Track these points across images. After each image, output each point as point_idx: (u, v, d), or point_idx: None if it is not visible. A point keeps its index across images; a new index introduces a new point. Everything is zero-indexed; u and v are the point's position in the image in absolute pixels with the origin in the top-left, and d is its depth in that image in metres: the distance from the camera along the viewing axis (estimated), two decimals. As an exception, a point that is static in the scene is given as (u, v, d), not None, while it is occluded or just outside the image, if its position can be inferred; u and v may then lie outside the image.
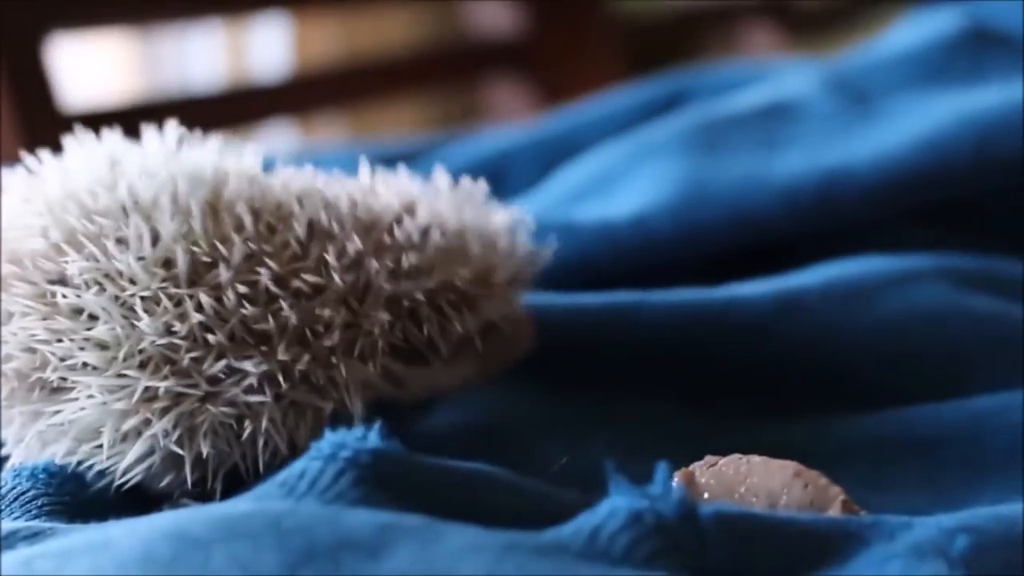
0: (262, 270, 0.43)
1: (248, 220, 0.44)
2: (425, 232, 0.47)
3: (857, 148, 0.64)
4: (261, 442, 0.44)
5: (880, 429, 0.51)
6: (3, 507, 0.42)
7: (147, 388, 0.42)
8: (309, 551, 0.32)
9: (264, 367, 0.43)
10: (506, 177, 0.80)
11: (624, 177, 0.67)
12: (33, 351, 0.43)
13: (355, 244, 0.45)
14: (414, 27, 1.79)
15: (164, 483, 0.44)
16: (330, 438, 0.38)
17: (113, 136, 0.49)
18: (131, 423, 0.42)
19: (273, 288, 0.43)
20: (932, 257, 0.59)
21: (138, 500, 0.44)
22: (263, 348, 0.43)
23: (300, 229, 0.45)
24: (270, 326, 0.43)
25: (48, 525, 0.39)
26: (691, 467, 0.43)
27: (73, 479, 0.43)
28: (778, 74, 0.82)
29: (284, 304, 0.43)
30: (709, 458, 0.43)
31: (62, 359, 0.42)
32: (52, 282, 0.43)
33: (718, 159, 0.65)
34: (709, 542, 0.35)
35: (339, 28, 1.72)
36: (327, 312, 0.44)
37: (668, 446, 0.49)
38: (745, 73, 0.84)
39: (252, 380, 0.43)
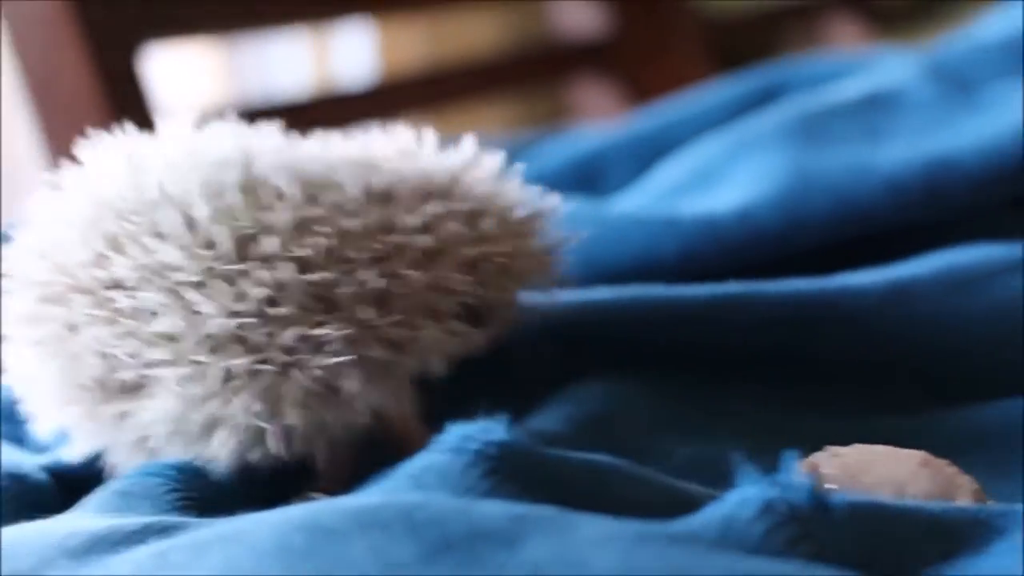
0: (319, 235, 0.43)
1: (287, 189, 0.44)
2: (486, 197, 0.48)
3: (961, 136, 0.63)
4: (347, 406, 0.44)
5: (1000, 418, 0.50)
6: (134, 503, 0.43)
7: (223, 370, 0.42)
8: (445, 541, 0.32)
9: (346, 331, 0.43)
10: (603, 175, 0.80)
11: (726, 171, 0.67)
12: (105, 356, 0.43)
13: (431, 207, 0.45)
14: (499, 30, 1.79)
15: (261, 459, 0.45)
16: (455, 431, 0.38)
17: (127, 134, 0.49)
18: (214, 407, 0.43)
19: (345, 252, 0.43)
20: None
21: (265, 495, 0.44)
22: (338, 313, 0.43)
23: (354, 192, 0.45)
24: (346, 290, 0.43)
25: (179, 519, 0.39)
26: (814, 457, 0.43)
27: (199, 474, 0.44)
28: (875, 64, 0.81)
29: (360, 267, 0.43)
30: (833, 448, 0.43)
31: (134, 358, 0.43)
32: (108, 287, 0.44)
33: (821, 150, 0.65)
34: (841, 531, 0.35)
35: (424, 32, 1.73)
36: (411, 273, 0.44)
37: (783, 437, 0.49)
38: (841, 64, 0.83)
39: (334, 346, 0.43)
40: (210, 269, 0.43)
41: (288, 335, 0.43)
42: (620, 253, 0.61)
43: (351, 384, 0.43)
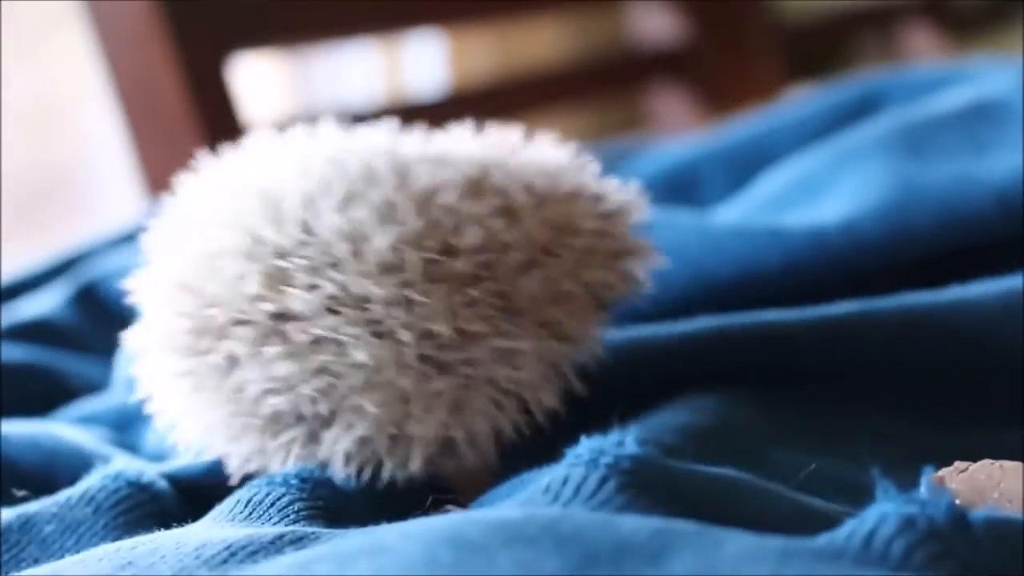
0: (501, 248, 0.44)
1: (466, 207, 0.44)
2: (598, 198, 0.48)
3: (1069, 147, 0.63)
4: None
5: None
6: (261, 512, 0.43)
7: (418, 393, 0.43)
8: (591, 555, 0.33)
9: (532, 341, 0.44)
10: (696, 185, 0.80)
11: (829, 183, 0.66)
12: (283, 391, 0.43)
13: (577, 211, 0.46)
14: (570, 39, 1.80)
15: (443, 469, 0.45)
16: (587, 444, 0.38)
17: (233, 163, 0.49)
18: (409, 426, 0.43)
19: (520, 258, 0.44)
20: None
21: (390, 505, 0.44)
22: (521, 319, 0.44)
23: (520, 198, 0.45)
24: (525, 298, 0.44)
25: (311, 529, 0.40)
26: (941, 472, 0.43)
27: (325, 484, 0.44)
28: (971, 74, 0.80)
29: (535, 269, 0.44)
30: (959, 464, 0.43)
31: (324, 392, 0.43)
32: (277, 318, 0.43)
33: (926, 161, 0.64)
34: (982, 548, 0.34)
35: (495, 43, 1.74)
36: (580, 272, 0.45)
37: (905, 452, 0.49)
38: (936, 75, 0.83)
39: (523, 356, 0.44)
40: (398, 295, 0.43)
41: (479, 350, 0.43)
42: (723, 264, 0.61)
43: (540, 393, 0.44)
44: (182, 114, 1.03)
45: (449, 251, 0.43)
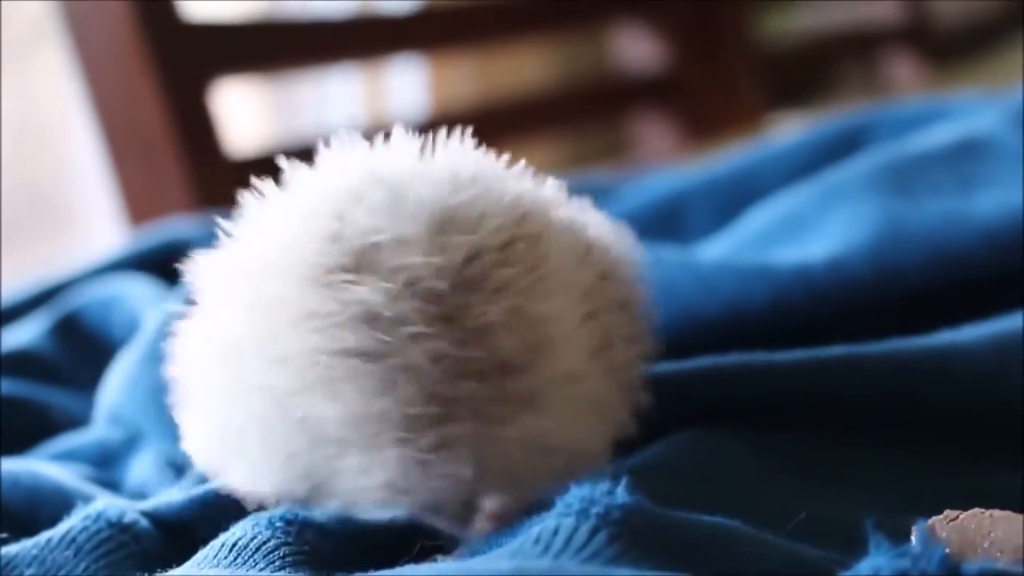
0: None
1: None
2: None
3: (1056, 185, 0.63)
4: None
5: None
6: (247, 557, 0.42)
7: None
8: (583, 610, 0.32)
9: None
10: (684, 219, 0.79)
11: (816, 219, 0.66)
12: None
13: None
14: (554, 65, 1.80)
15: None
16: (576, 493, 0.38)
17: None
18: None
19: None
20: None
21: (376, 550, 0.44)
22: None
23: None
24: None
25: (299, 577, 0.39)
26: (930, 521, 0.42)
27: (311, 527, 0.44)
28: (957, 110, 0.81)
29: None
30: (949, 512, 0.43)
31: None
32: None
33: (913, 199, 0.64)
34: (975, 602, 0.34)
35: (476, 68, 1.74)
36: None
37: (895, 496, 0.48)
38: (923, 110, 0.83)
39: None
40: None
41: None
42: (711, 301, 0.61)
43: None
44: (163, 140, 1.03)
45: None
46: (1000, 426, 0.52)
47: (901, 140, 0.72)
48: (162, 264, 0.80)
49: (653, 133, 1.56)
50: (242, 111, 1.58)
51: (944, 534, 0.42)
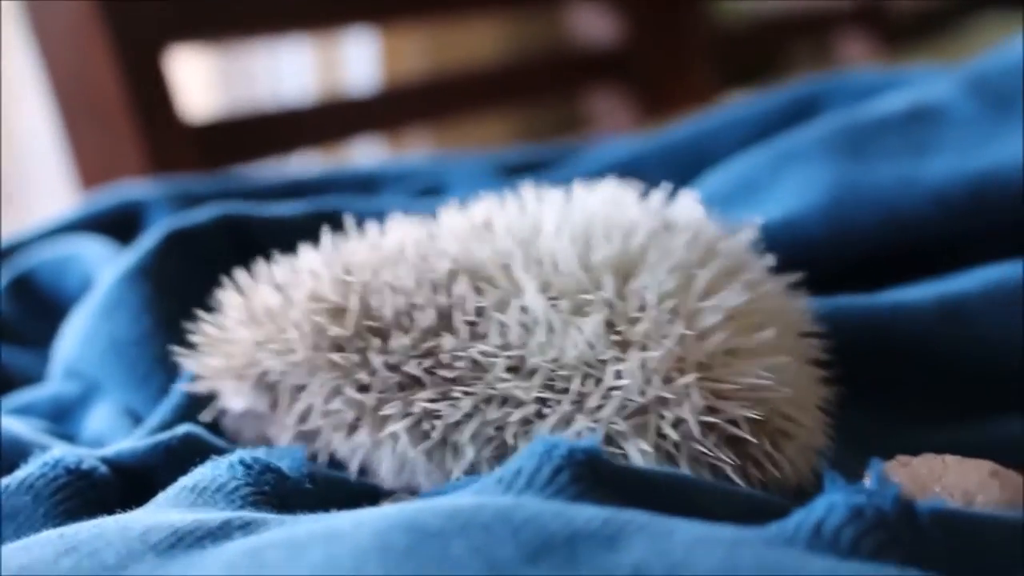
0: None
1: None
2: None
3: (1006, 150, 0.64)
4: None
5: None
6: (207, 498, 0.43)
7: None
8: (546, 542, 0.33)
9: None
10: (638, 182, 0.80)
11: (770, 183, 0.67)
12: None
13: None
14: (508, 38, 1.79)
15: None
16: (542, 439, 0.38)
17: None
18: None
19: None
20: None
21: (336, 493, 0.44)
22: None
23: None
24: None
25: (260, 515, 0.39)
26: (885, 465, 0.43)
27: (271, 470, 0.44)
28: (910, 79, 0.81)
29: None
30: (901, 457, 0.44)
31: None
32: None
33: (866, 163, 0.65)
34: (927, 537, 0.35)
35: (428, 41, 1.73)
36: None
37: (850, 446, 0.49)
38: (876, 79, 0.84)
39: None
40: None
41: None
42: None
43: None
44: (118, 107, 1.02)
45: None
46: (948, 381, 0.53)
47: (853, 107, 0.73)
48: (115, 226, 0.80)
49: (607, 109, 1.56)
50: (196, 79, 1.57)
51: (897, 479, 0.43)
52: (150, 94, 1.05)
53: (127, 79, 1.03)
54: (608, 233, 0.47)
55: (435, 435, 0.45)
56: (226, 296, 0.52)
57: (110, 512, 0.44)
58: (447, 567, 0.32)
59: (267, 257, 0.64)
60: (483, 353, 0.44)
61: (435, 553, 0.32)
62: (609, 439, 0.43)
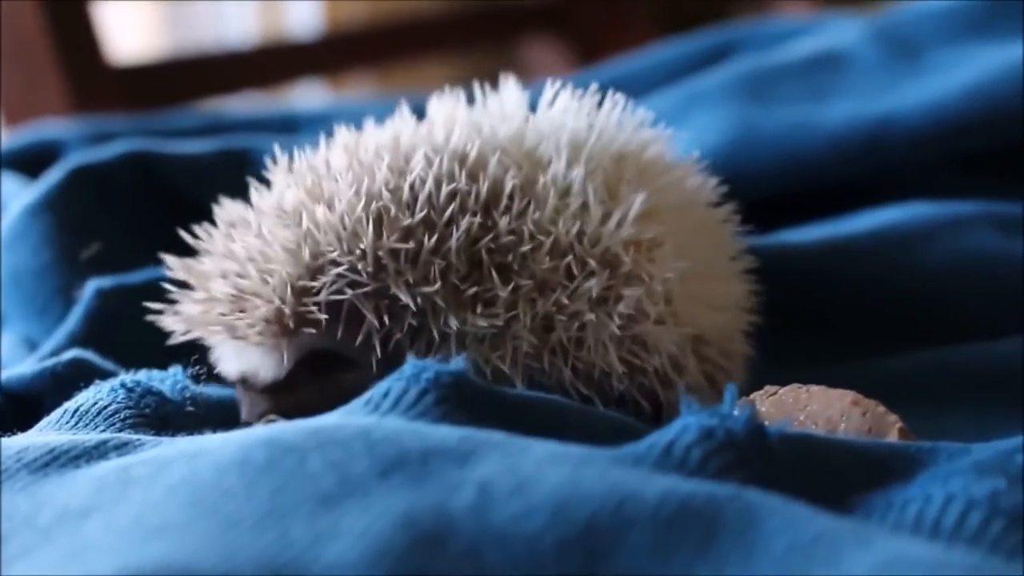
0: None
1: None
2: None
3: (906, 96, 0.65)
4: None
5: (932, 366, 0.52)
6: (88, 420, 0.43)
7: None
8: (399, 458, 0.34)
9: None
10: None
11: (675, 124, 0.68)
12: None
13: None
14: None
15: None
16: (412, 362, 0.39)
17: None
18: None
19: None
20: (981, 204, 0.60)
21: (216, 415, 0.45)
22: None
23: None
24: None
25: (136, 437, 0.40)
26: (751, 396, 0.45)
27: (152, 393, 0.45)
28: (822, 27, 0.83)
29: None
30: (769, 387, 0.45)
31: None
32: None
33: (767, 107, 0.66)
34: (776, 458, 0.36)
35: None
36: None
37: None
38: (789, 27, 0.85)
39: None
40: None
41: None
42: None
43: None
44: (40, 47, 1.02)
45: None
46: (828, 321, 0.55)
47: (765, 52, 0.74)
48: (32, 164, 0.80)
49: (543, 58, 1.57)
50: (136, 22, 1.56)
51: (763, 407, 0.44)
52: (74, 35, 1.05)
53: (50, 19, 1.02)
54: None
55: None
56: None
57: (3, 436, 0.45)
58: (302, 481, 0.33)
59: (175, 195, 0.65)
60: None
61: (292, 467, 0.33)
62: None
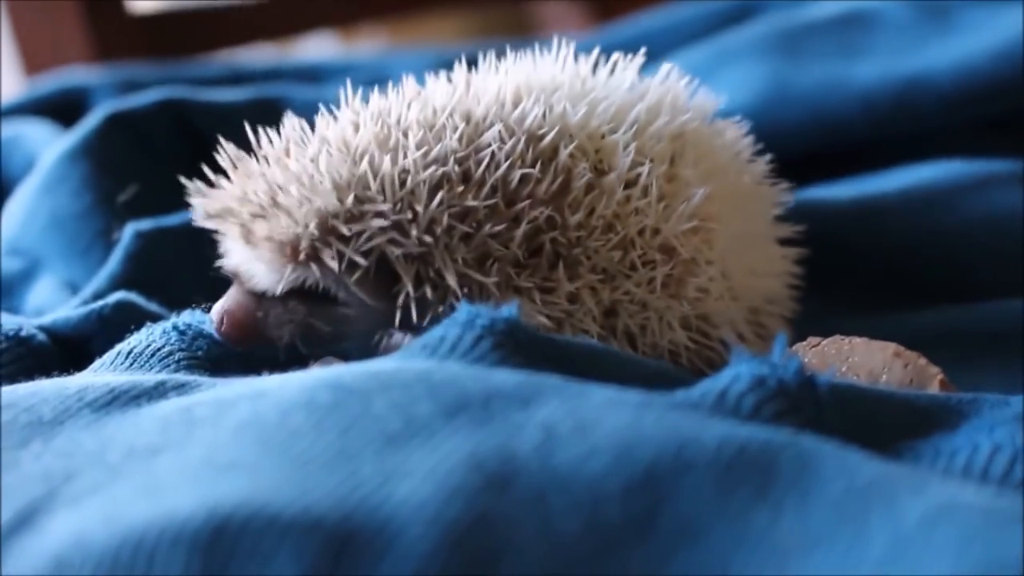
0: None
1: None
2: None
3: (936, 56, 0.65)
4: None
5: (963, 321, 0.53)
6: (143, 362, 0.44)
7: None
8: (461, 400, 0.34)
9: None
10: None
11: (706, 80, 0.68)
12: None
13: None
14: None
15: None
16: (466, 308, 0.39)
17: None
18: None
19: None
20: (1009, 162, 0.61)
21: (267, 360, 0.46)
22: None
23: None
24: None
25: (193, 377, 0.41)
26: (794, 347, 0.45)
27: (204, 336, 0.45)
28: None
29: None
30: (812, 339, 0.45)
31: None
32: None
33: (799, 64, 0.67)
34: (825, 406, 0.37)
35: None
36: None
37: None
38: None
39: None
40: None
41: None
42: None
43: None
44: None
45: None
46: (860, 277, 0.55)
47: (792, 10, 0.74)
48: (59, 110, 0.80)
49: (557, 13, 1.56)
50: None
51: (806, 358, 0.45)
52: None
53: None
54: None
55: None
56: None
57: (48, 377, 0.45)
58: (367, 422, 0.34)
59: (209, 141, 0.65)
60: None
61: (358, 408, 0.34)
62: None
